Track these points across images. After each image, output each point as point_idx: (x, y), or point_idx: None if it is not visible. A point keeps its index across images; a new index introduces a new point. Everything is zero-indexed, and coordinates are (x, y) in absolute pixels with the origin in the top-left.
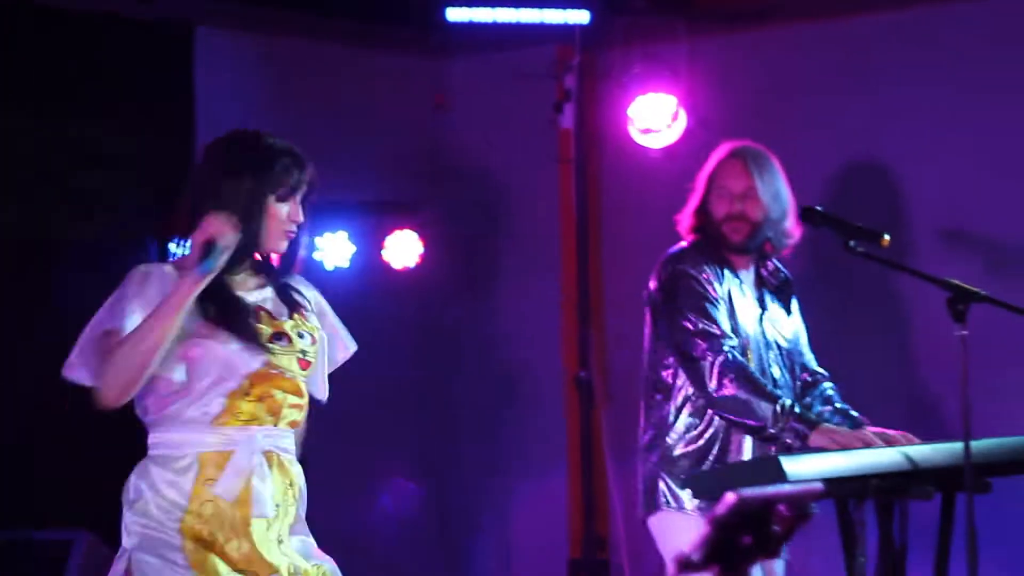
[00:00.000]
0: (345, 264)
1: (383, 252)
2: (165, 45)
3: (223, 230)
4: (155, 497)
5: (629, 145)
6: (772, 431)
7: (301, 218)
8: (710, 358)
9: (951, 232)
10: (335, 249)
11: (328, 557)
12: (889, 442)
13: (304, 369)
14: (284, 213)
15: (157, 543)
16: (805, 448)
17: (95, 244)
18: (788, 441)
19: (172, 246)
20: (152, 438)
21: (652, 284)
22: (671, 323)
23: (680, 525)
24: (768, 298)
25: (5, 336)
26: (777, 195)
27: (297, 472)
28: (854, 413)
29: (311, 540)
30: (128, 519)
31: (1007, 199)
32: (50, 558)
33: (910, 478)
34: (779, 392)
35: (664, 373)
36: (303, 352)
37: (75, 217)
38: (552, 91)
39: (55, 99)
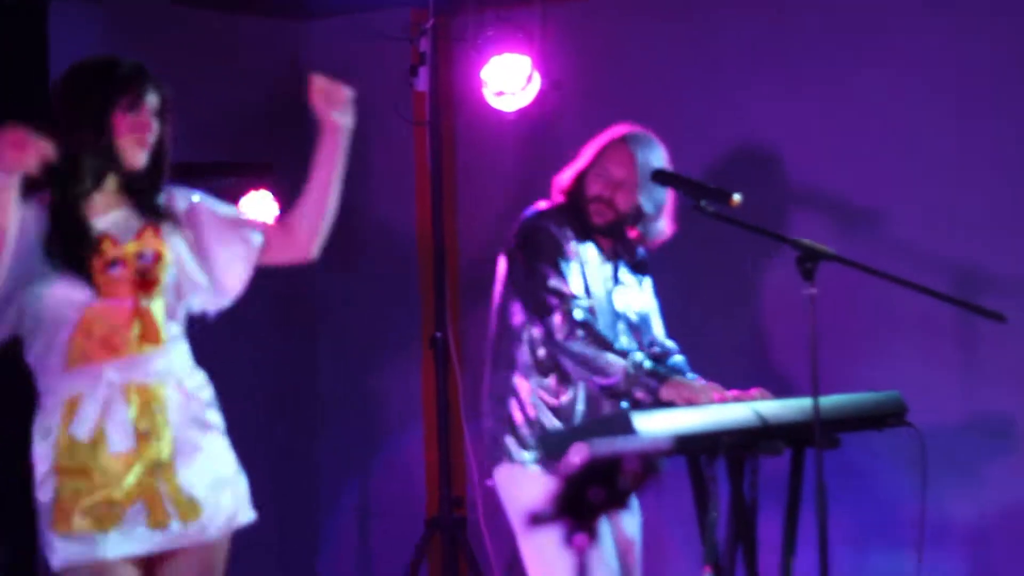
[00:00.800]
0: None
1: None
2: (19, 21)
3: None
4: (36, 445)
5: (483, 107)
6: (622, 386)
7: (153, 128)
8: (560, 313)
9: (804, 194)
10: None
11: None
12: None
13: (148, 290)
14: (131, 124)
15: (39, 495)
16: (656, 403)
17: None
18: (638, 396)
19: None
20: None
21: (512, 236)
22: (526, 276)
23: (524, 480)
24: (622, 271)
25: None
26: (654, 193)
27: (172, 395)
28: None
29: (218, 465)
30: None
31: (856, 159)
32: None
33: (760, 434)
34: (628, 349)
35: (515, 328)
36: (142, 273)
37: None
38: (407, 54)
39: None
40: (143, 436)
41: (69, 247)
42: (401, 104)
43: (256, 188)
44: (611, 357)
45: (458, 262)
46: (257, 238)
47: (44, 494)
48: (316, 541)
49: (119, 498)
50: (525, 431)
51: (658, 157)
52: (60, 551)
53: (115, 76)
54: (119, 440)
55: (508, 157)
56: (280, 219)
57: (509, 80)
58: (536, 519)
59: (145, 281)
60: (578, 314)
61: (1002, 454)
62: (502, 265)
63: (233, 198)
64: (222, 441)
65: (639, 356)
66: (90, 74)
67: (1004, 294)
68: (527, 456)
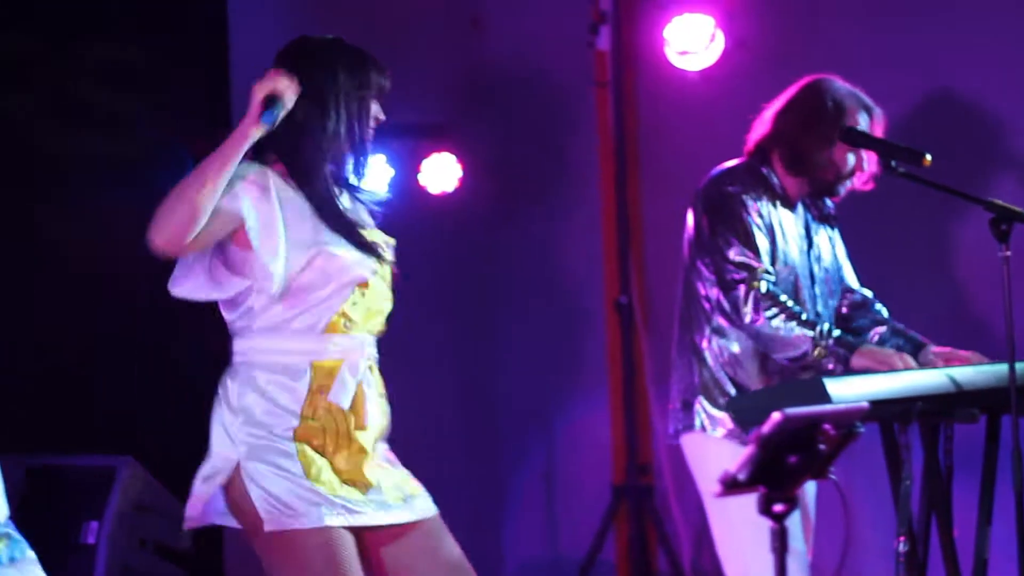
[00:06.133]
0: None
1: (419, 176)
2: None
3: (286, 86)
4: (263, 402)
5: (666, 67)
6: (812, 357)
7: (383, 117)
8: (744, 287)
9: (1001, 154)
10: (372, 174)
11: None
12: (951, 361)
13: (391, 278)
14: (374, 112)
15: (268, 451)
16: (847, 371)
17: (131, 163)
18: (829, 367)
19: None
20: (252, 343)
21: (698, 201)
22: (713, 247)
23: (713, 448)
24: (814, 229)
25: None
26: None
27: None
28: (912, 333)
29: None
30: (232, 425)
31: None
32: (96, 483)
33: (955, 400)
34: (817, 319)
35: (702, 291)
36: (392, 262)
37: (105, 137)
38: (588, 12)
39: (81, 23)
40: (381, 412)
41: (349, 223)
42: (582, 64)
43: (438, 150)
44: (798, 329)
45: (642, 223)
46: None
47: (285, 453)
48: (502, 509)
49: (366, 471)
50: (713, 396)
51: None
52: (315, 513)
53: (368, 67)
54: (372, 413)
55: (692, 117)
56: None
57: (692, 39)
58: (730, 485)
59: (394, 268)
60: (763, 287)
61: None
62: (689, 226)
63: (414, 161)
64: None
65: (827, 325)
66: (346, 58)
67: None
68: (716, 422)
